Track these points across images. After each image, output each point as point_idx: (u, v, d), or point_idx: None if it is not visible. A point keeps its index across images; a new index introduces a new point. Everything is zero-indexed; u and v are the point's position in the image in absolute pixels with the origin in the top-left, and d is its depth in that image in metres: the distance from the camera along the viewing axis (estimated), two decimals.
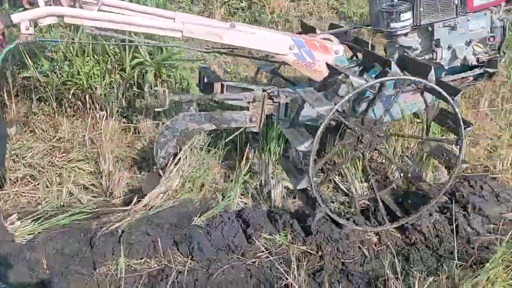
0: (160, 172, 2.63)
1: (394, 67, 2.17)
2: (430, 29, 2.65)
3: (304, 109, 2.44)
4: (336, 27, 3.08)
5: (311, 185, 2.27)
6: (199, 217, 2.54)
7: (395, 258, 2.24)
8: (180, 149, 2.60)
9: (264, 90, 2.72)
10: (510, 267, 2.14)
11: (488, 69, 2.87)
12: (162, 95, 2.55)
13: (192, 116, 2.58)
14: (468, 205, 2.66)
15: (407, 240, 2.50)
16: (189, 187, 2.68)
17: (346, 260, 2.32)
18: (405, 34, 2.63)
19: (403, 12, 2.49)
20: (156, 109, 2.68)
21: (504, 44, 2.86)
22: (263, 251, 2.39)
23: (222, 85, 2.72)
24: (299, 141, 2.20)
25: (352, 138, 2.29)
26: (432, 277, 2.13)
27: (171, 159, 2.59)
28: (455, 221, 2.49)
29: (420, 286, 2.06)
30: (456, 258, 2.25)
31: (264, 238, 2.46)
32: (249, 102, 2.67)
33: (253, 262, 2.32)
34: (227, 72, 4.56)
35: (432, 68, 2.18)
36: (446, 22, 2.64)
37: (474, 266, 2.23)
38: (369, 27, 2.88)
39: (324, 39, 2.76)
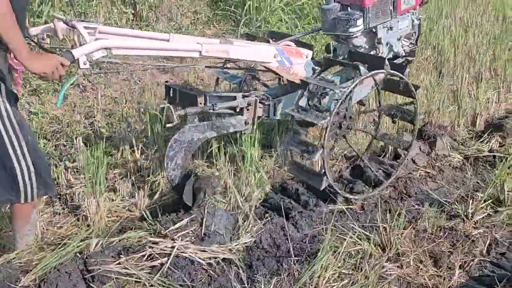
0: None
1: (362, 67, 2.72)
2: (374, 30, 3.23)
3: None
4: (276, 35, 3.45)
5: (323, 157, 2.63)
6: None
7: (240, 269, 2.24)
8: (187, 159, 2.71)
9: (244, 96, 2.90)
10: (337, 252, 2.30)
11: (409, 57, 3.50)
12: (167, 111, 2.64)
13: (196, 127, 2.72)
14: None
15: (248, 251, 2.41)
16: None
17: None
18: (357, 36, 3.14)
19: (358, 19, 3.04)
20: (167, 125, 2.72)
21: (420, 37, 3.62)
22: None
23: (205, 97, 2.86)
24: (318, 118, 2.60)
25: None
26: (275, 278, 2.19)
27: (180, 171, 2.68)
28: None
29: None
30: (293, 255, 2.32)
31: None
32: (242, 108, 2.88)
33: None
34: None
35: (386, 59, 2.82)
36: (385, 24, 3.26)
37: (309, 258, 2.30)
38: (319, 32, 3.43)
39: (286, 45, 3.06)
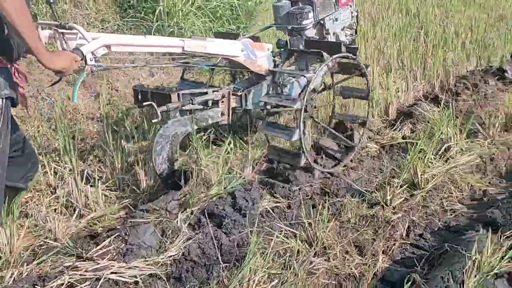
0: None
1: (325, 54, 3.03)
2: (322, 22, 3.50)
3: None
4: (221, 34, 3.62)
5: (301, 136, 2.95)
6: None
7: (167, 283, 2.20)
8: (173, 152, 2.87)
9: (214, 91, 3.09)
10: (265, 253, 2.30)
11: (351, 46, 3.68)
12: (151, 108, 2.81)
13: (179, 121, 2.88)
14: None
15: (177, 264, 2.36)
16: None
17: None
18: (309, 28, 3.42)
19: (309, 12, 3.34)
20: (153, 121, 2.84)
21: (357, 27, 3.90)
22: None
23: (179, 94, 2.94)
24: (293, 102, 2.94)
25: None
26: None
27: (168, 164, 2.84)
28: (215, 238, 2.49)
29: None
30: (221, 262, 2.30)
31: None
32: (217, 101, 3.08)
33: None
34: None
35: (342, 43, 3.15)
36: (331, 16, 3.54)
37: (238, 263, 2.28)
38: (273, 26, 3.66)
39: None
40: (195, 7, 5.13)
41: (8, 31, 1.88)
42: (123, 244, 2.35)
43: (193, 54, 3.04)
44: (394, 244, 2.59)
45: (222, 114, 3.12)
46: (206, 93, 3.06)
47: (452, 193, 3.14)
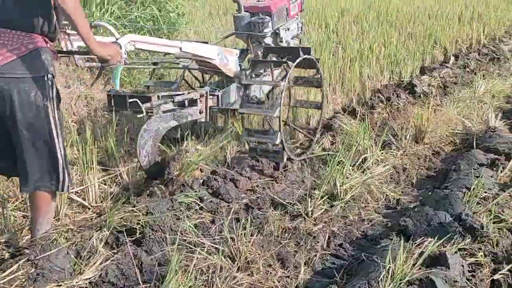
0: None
1: (290, 62, 3.44)
2: (277, 32, 3.98)
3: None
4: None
5: (282, 137, 3.38)
6: None
7: None
8: (155, 146, 3.16)
9: (189, 92, 3.40)
10: (187, 270, 2.25)
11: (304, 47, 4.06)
12: (135, 104, 3.03)
13: (161, 117, 3.15)
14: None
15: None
16: None
17: None
18: (268, 36, 3.88)
19: (268, 22, 3.81)
20: (138, 116, 3.08)
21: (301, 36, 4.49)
22: None
23: (158, 96, 3.18)
24: (272, 110, 3.31)
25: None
26: None
27: (151, 157, 3.10)
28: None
29: None
30: (141, 283, 2.22)
31: None
32: (196, 100, 3.36)
33: None
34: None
35: (300, 48, 3.57)
36: (284, 26, 4.03)
37: (158, 283, 2.22)
38: (236, 33, 4.00)
39: None
40: (114, 17, 4.97)
41: (57, 19, 2.27)
42: (33, 269, 2.19)
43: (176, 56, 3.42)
44: (316, 255, 2.65)
45: (201, 112, 3.41)
46: (183, 93, 3.35)
47: (369, 203, 3.28)
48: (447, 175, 3.63)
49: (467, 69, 6.94)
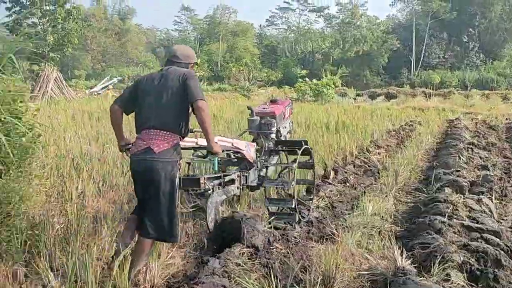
0: None
1: (299, 151, 4.69)
2: (279, 129, 5.35)
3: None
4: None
5: (295, 203, 4.44)
6: None
7: None
8: (217, 214, 4.21)
9: (225, 175, 4.58)
10: None
11: (302, 140, 5.32)
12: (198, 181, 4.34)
13: (218, 192, 4.31)
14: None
15: None
16: None
17: None
18: (273, 133, 5.17)
19: (274, 123, 5.15)
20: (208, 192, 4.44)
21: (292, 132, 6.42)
22: None
23: (204, 178, 4.33)
24: (287, 185, 4.49)
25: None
26: None
27: (214, 222, 4.11)
28: None
29: None
30: None
31: None
32: (234, 179, 4.69)
33: None
34: None
35: (303, 141, 4.84)
36: (282, 125, 5.47)
37: None
38: (248, 131, 5.28)
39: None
40: None
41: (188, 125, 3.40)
42: None
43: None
44: None
45: (238, 188, 4.59)
46: (223, 176, 4.47)
47: None
48: None
49: (347, 184, 6.40)
